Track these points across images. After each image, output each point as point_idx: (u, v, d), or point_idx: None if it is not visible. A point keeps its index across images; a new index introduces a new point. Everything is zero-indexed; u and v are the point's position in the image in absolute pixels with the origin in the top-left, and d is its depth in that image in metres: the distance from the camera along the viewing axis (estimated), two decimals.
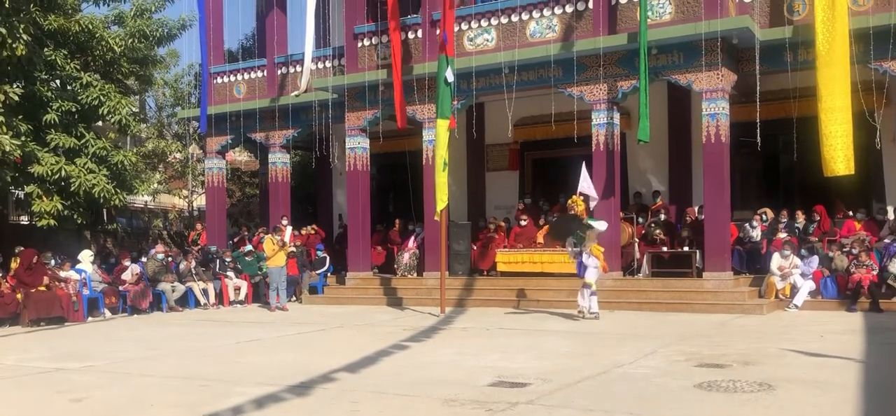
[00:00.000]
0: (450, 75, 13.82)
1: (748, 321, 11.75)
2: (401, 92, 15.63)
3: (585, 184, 13.13)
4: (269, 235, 16.08)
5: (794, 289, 13.39)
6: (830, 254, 13.79)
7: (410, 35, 16.46)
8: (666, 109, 16.52)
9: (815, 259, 13.72)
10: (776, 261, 13.62)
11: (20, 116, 14.75)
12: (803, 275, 13.44)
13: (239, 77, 19.76)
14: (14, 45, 13.90)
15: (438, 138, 14.01)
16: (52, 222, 15.78)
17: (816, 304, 13.24)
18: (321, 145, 18.15)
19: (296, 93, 18.15)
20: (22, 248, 14.72)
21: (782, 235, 14.34)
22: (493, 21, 15.60)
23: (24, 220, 20.25)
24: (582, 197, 12.84)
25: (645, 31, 13.33)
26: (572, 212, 12.59)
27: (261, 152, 21.05)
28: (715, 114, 13.60)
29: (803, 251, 13.97)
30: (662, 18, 13.98)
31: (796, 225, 14.91)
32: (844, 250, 13.70)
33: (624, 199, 15.81)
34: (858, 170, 13.04)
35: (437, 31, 15.77)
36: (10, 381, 7.85)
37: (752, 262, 14.78)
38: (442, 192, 13.93)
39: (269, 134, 19.17)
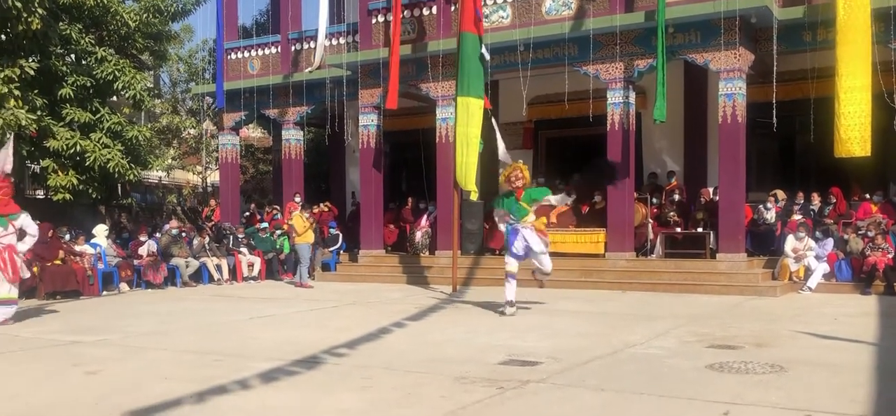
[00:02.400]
0: (486, 53, 13.75)
1: (761, 303, 11.70)
2: (396, 72, 15.46)
3: (501, 143, 11.61)
4: (299, 211, 16.14)
5: (807, 271, 13.31)
6: (845, 236, 13.69)
7: (425, 11, 16.37)
8: (682, 89, 16.38)
9: (830, 241, 13.62)
10: (790, 243, 13.53)
11: (36, 91, 14.83)
12: (818, 257, 13.35)
13: (253, 53, 19.76)
14: (29, 20, 13.96)
15: (471, 117, 13.77)
16: (67, 196, 15.90)
17: (830, 287, 13.16)
18: (334, 123, 18.15)
19: (309, 69, 18.14)
20: (38, 222, 14.84)
21: (797, 216, 14.23)
22: None
23: (40, 194, 20.43)
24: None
25: (663, 10, 13.18)
26: (517, 183, 10.41)
27: (274, 129, 21.09)
28: (731, 94, 13.46)
29: (818, 233, 13.86)
30: None
31: (811, 207, 14.78)
32: (860, 232, 13.58)
33: (638, 179, 15.74)
34: (875, 152, 12.89)
35: (453, 8, 15.67)
36: (26, 353, 7.95)
37: (766, 244, 14.69)
38: (470, 176, 13.81)
39: (283, 110, 19.18)
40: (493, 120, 12.19)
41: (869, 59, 12.53)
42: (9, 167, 10.22)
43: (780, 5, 13.90)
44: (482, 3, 15.34)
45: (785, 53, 13.86)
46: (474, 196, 14.17)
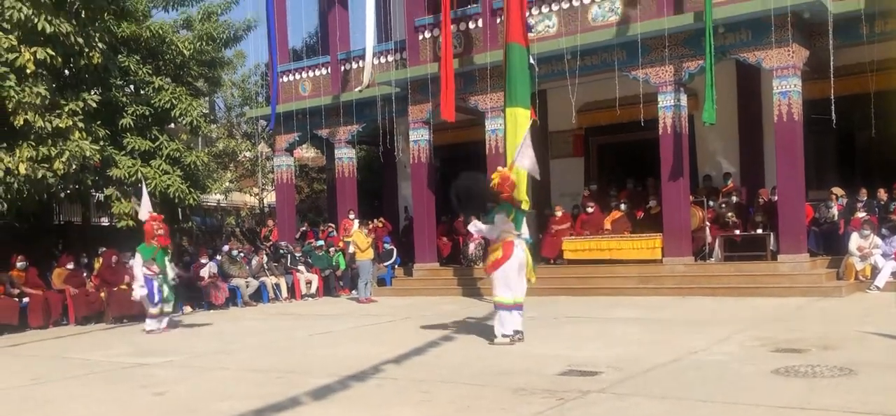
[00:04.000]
0: (534, 63, 13.74)
1: (826, 304, 11.37)
2: (450, 85, 15.53)
3: (527, 153, 9.43)
4: (360, 228, 16.36)
5: (874, 270, 12.88)
6: None
7: (471, 25, 16.45)
8: (735, 88, 16.08)
9: None
10: (855, 241, 13.12)
11: (98, 122, 15.36)
12: (884, 255, 12.92)
13: (303, 75, 20.12)
14: (91, 54, 14.48)
15: (519, 128, 13.70)
16: (130, 222, 16.38)
17: None
18: (385, 139, 18.33)
19: (359, 88, 18.38)
20: (104, 249, 15.38)
21: (861, 214, 13.80)
22: (554, 7, 15.45)
23: (105, 221, 21.12)
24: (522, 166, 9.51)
25: (710, 10, 12.99)
26: (506, 192, 8.98)
27: (327, 148, 21.41)
28: (786, 92, 13.16)
29: (884, 230, 13.41)
30: None
31: (876, 203, 14.31)
32: None
33: (693, 182, 15.48)
34: None
35: (499, 20, 15.71)
36: (97, 376, 8.23)
37: (829, 243, 14.27)
38: (521, 186, 13.74)
39: (335, 130, 19.47)
40: (528, 130, 10.70)
41: None
42: (149, 207, 12.47)
43: None
44: (528, 13, 15.33)
45: (841, 47, 13.48)
46: (526, 206, 14.09)
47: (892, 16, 12.55)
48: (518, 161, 9.43)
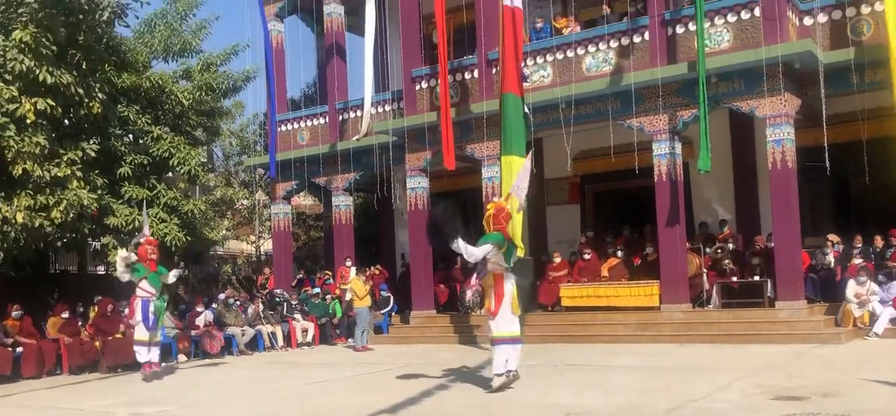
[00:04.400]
0: (529, 112, 13.95)
1: (825, 351, 11.34)
2: (449, 134, 15.70)
3: (524, 179, 9.56)
4: (357, 276, 16.34)
5: (872, 316, 12.87)
6: None
7: (467, 75, 16.66)
8: (729, 136, 16.24)
9: (894, 285, 13.18)
10: (852, 288, 13.14)
11: (97, 171, 15.43)
12: (882, 301, 12.92)
13: (302, 124, 20.28)
14: (91, 104, 14.60)
15: (514, 175, 13.82)
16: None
17: None
18: (382, 187, 18.40)
19: (357, 137, 18.51)
20: (100, 297, 15.31)
21: (857, 260, 13.84)
22: (549, 57, 15.67)
23: (101, 270, 21.07)
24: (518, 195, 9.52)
25: (703, 60, 13.19)
26: (500, 223, 8.99)
27: (324, 196, 21.48)
28: (780, 139, 13.30)
29: (881, 277, 13.44)
30: (721, 46, 13.82)
31: (872, 250, 14.37)
32: None
33: (689, 229, 15.54)
34: None
35: (494, 71, 15.93)
36: None
37: (826, 289, 14.28)
38: (516, 233, 13.79)
39: (332, 178, 19.56)
40: (528, 160, 10.67)
41: None
42: (147, 230, 12.75)
43: (824, 49, 13.79)
44: (523, 64, 15.55)
45: (833, 96, 13.67)
46: (522, 252, 14.14)
47: (882, 66, 12.76)
48: (515, 192, 9.50)
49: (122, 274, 12.13)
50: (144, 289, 12.04)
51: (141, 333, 12.04)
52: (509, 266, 9.07)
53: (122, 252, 12.32)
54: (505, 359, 8.83)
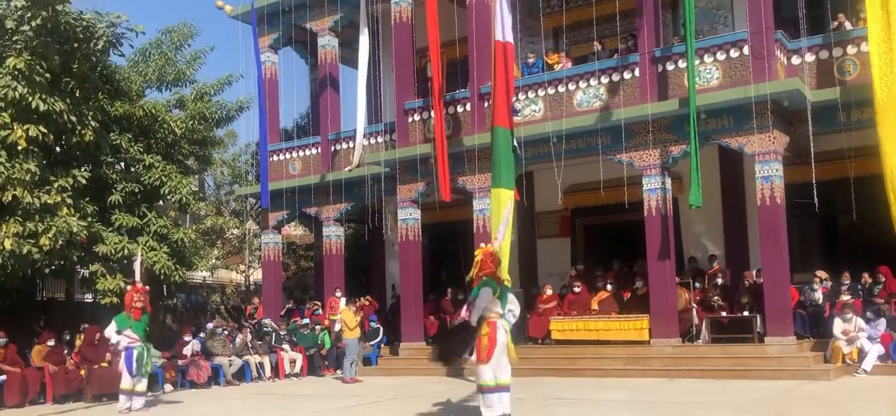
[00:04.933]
0: (518, 146, 14.05)
1: (815, 388, 11.35)
2: (445, 166, 15.79)
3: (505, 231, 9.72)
4: (348, 306, 16.29)
5: (861, 353, 12.91)
6: None
7: (459, 108, 16.78)
8: (718, 172, 16.36)
9: (883, 322, 13.25)
10: (838, 325, 13.21)
11: (87, 199, 15.39)
12: (870, 338, 12.97)
13: (294, 154, 20.33)
14: (83, 132, 14.62)
15: (502, 208, 13.93)
16: (114, 299, 16.24)
17: (888, 368, 12.71)
18: (374, 218, 18.42)
19: (349, 168, 18.56)
20: (86, 325, 15.19)
21: (845, 297, 13.91)
22: (541, 92, 15.82)
23: (89, 298, 20.90)
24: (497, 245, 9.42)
25: (693, 97, 13.34)
26: (488, 268, 8.92)
27: (315, 226, 21.46)
28: (769, 176, 13.43)
29: (869, 314, 13.50)
30: (710, 83, 13.99)
31: (860, 286, 14.45)
32: None
33: (679, 264, 15.60)
34: None
35: (487, 104, 16.05)
36: None
37: (815, 325, 14.33)
38: (504, 265, 13.80)
39: (323, 208, 19.56)
40: (510, 207, 11.34)
41: None
42: (137, 277, 12.64)
43: (812, 88, 13.98)
44: (514, 98, 15.67)
45: (821, 134, 13.84)
46: (508, 283, 14.13)
47: (867, 105, 12.94)
48: (501, 236, 9.53)
49: (110, 331, 12.14)
50: (128, 336, 11.97)
51: (125, 381, 11.97)
52: (504, 312, 8.92)
53: (114, 338, 12.19)
54: (488, 406, 8.65)
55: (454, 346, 9.47)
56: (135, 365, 11.83)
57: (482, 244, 9.64)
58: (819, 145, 13.64)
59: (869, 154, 13.00)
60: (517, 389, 12.62)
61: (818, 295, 14.49)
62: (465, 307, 9.22)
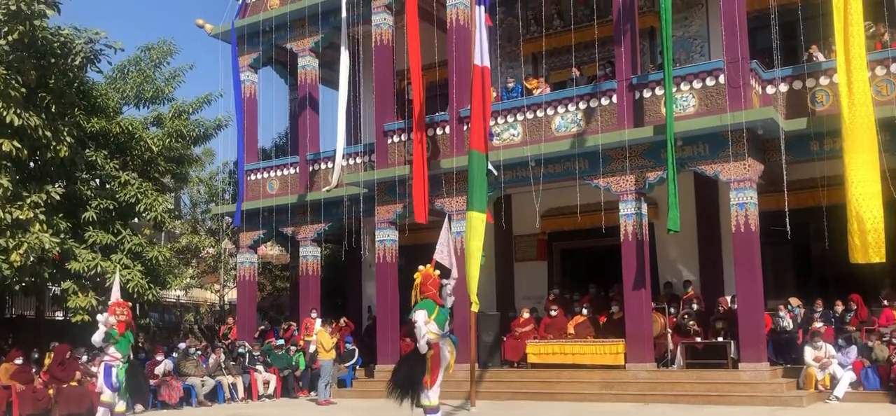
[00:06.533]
0: (493, 169, 14.15)
1: (788, 414, 11.44)
2: (422, 188, 15.80)
3: (444, 248, 10.41)
4: (324, 327, 16.16)
5: (833, 380, 13.04)
6: (870, 344, 13.47)
7: (438, 131, 16.83)
8: (693, 199, 16.54)
9: (854, 349, 13.41)
10: (809, 352, 13.35)
11: (61, 215, 15.20)
12: (842, 365, 13.11)
13: (272, 174, 20.24)
14: (58, 148, 14.47)
15: (473, 230, 14.01)
16: (86, 317, 16.01)
17: (859, 395, 12.85)
18: (351, 238, 18.35)
19: (327, 188, 18.51)
20: (56, 343, 14.94)
21: (818, 324, 14.07)
22: (519, 117, 15.92)
23: (59, 315, 20.57)
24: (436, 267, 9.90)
25: (671, 124, 13.49)
26: (428, 291, 9.46)
27: (292, 246, 21.32)
28: (743, 203, 13.59)
29: (841, 341, 13.66)
30: (687, 111, 14.17)
31: (832, 314, 14.62)
32: (884, 339, 13.38)
33: (654, 289, 15.70)
34: (891, 259, 12.84)
35: (465, 128, 16.13)
36: None
37: (787, 352, 14.47)
38: (472, 288, 13.86)
39: (301, 228, 19.46)
40: (445, 229, 11.75)
41: (877, 167, 12.67)
42: (116, 294, 12.36)
43: (785, 117, 14.20)
44: (492, 122, 15.77)
45: (794, 163, 14.04)
46: (476, 307, 14.21)
47: (838, 136, 13.15)
48: (437, 257, 9.68)
49: (98, 337, 11.80)
50: (111, 355, 11.77)
51: (107, 396, 11.77)
52: (445, 332, 9.11)
53: (103, 317, 11.93)
54: None
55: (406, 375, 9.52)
56: (115, 381, 11.67)
57: (421, 267, 9.75)
58: (792, 174, 13.85)
59: (840, 183, 13.19)
60: (493, 412, 12.59)
61: (787, 322, 14.64)
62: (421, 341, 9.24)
